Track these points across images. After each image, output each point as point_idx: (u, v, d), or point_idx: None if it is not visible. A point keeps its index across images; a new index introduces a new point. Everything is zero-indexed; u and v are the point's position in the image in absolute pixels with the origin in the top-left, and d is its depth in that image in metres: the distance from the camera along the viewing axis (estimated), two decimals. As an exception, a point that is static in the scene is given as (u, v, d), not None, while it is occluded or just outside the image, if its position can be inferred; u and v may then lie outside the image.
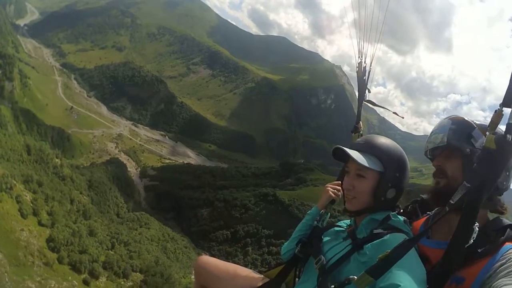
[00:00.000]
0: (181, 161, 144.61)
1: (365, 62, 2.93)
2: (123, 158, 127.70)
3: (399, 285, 1.28)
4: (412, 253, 1.45)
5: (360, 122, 2.88)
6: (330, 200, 2.43)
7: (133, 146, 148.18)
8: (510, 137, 1.16)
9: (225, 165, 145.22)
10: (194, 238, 79.13)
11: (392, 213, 1.88)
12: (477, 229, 1.39)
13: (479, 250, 1.45)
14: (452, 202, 1.37)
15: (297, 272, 2.32)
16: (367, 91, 2.94)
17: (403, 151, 1.93)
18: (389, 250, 1.36)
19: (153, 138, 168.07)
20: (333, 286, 1.60)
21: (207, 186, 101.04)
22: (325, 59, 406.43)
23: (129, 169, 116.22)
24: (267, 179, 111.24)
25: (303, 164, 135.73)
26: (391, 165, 1.82)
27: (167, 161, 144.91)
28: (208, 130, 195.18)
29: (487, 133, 1.35)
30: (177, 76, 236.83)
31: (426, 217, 1.98)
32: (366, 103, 2.99)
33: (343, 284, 1.51)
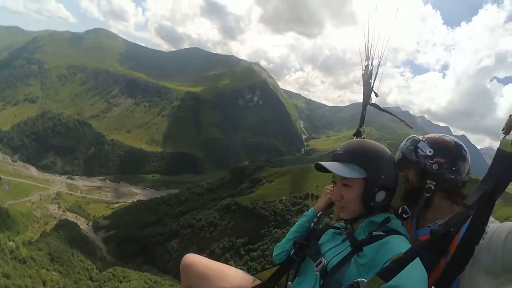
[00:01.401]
0: (130, 201, 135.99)
1: (371, 65, 2.86)
2: (71, 216, 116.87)
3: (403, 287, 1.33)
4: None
5: (363, 126, 2.85)
6: (328, 203, 2.41)
7: (76, 201, 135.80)
8: None
9: (175, 190, 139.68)
10: (175, 272, 75.33)
11: (391, 215, 1.90)
12: (487, 229, 1.46)
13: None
14: (468, 204, 1.41)
15: (289, 275, 2.27)
16: (373, 94, 2.89)
17: (385, 150, 1.93)
18: (402, 253, 1.36)
19: (93, 186, 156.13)
20: None
21: (166, 217, 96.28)
22: (241, 59, 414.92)
23: (81, 226, 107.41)
24: (223, 190, 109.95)
25: (250, 165, 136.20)
26: (373, 169, 1.83)
27: (116, 205, 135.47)
28: (147, 160, 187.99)
29: (501, 136, 1.36)
30: (100, 113, 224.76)
31: (409, 221, 2.09)
32: (372, 106, 2.91)
33: (352, 287, 1.48)
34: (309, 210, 2.47)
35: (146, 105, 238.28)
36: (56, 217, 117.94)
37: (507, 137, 1.33)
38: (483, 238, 1.42)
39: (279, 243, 2.40)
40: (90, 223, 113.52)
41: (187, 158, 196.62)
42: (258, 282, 2.27)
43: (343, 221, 2.00)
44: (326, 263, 1.84)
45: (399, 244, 1.60)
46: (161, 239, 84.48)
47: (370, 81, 2.91)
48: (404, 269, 1.34)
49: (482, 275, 1.45)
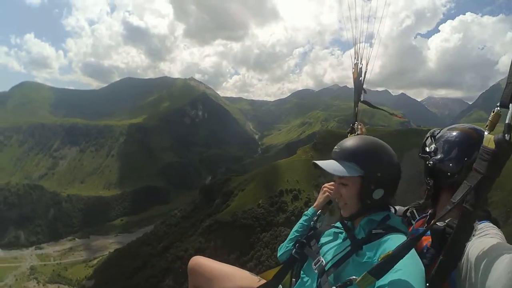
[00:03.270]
0: (107, 253, 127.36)
1: (361, 63, 2.93)
2: None
3: (398, 284, 1.34)
4: (412, 252, 1.47)
5: (357, 122, 2.90)
6: (327, 201, 2.46)
7: (53, 270, 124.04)
8: (508, 137, 1.20)
9: (149, 227, 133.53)
10: None
11: (390, 213, 1.91)
12: (477, 226, 1.52)
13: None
14: (453, 201, 1.42)
15: (293, 273, 2.29)
16: (363, 92, 3.00)
17: (384, 148, 1.91)
18: (390, 250, 1.38)
19: (64, 249, 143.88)
20: (334, 287, 1.61)
21: (151, 257, 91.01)
22: (175, 78, 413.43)
23: None
24: (198, 213, 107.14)
25: (218, 180, 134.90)
26: (369, 167, 1.82)
27: (94, 262, 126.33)
28: (110, 206, 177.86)
29: (485, 132, 1.38)
30: (47, 171, 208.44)
31: (422, 219, 2.09)
32: (363, 103, 3.03)
33: (345, 285, 1.52)
34: (309, 209, 2.55)
35: (93, 150, 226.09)
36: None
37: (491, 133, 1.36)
38: (473, 235, 1.47)
39: (282, 243, 2.47)
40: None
41: (150, 191, 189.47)
42: (263, 281, 2.31)
43: (343, 219, 2.01)
44: (324, 261, 1.89)
45: (397, 242, 1.56)
46: (154, 281, 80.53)
47: (360, 78, 2.96)
48: (398, 265, 1.36)
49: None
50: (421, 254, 1.61)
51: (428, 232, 1.76)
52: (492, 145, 1.30)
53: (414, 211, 2.19)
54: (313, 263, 1.95)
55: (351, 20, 2.86)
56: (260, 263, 71.52)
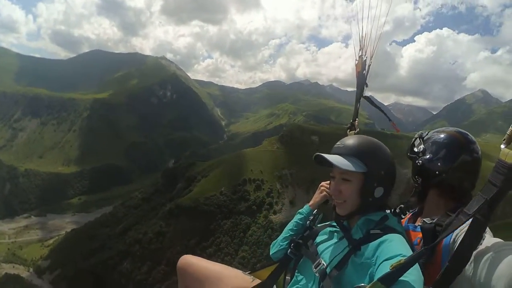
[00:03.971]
0: (64, 233, 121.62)
1: (365, 56, 2.92)
2: (8, 268, 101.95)
3: None
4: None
5: (357, 119, 2.90)
6: (324, 200, 2.43)
7: (8, 249, 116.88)
8: None
9: (108, 208, 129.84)
10: None
11: (388, 213, 1.92)
12: (485, 235, 1.54)
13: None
14: (468, 213, 1.44)
15: (286, 272, 2.30)
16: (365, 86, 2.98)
17: (384, 147, 1.94)
18: (403, 259, 1.37)
19: (20, 227, 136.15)
20: None
21: (109, 239, 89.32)
22: (147, 55, 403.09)
23: (22, 275, 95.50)
24: (159, 196, 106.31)
25: (182, 164, 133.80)
26: (373, 164, 1.84)
27: (51, 241, 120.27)
28: (68, 183, 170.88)
29: (502, 146, 1.40)
30: (6, 143, 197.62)
31: (409, 214, 2.20)
32: (365, 99, 3.04)
33: None
34: (304, 207, 2.48)
35: (54, 123, 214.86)
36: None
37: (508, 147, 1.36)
38: (481, 244, 1.48)
39: (274, 240, 2.43)
40: (31, 269, 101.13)
41: (111, 170, 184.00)
42: (257, 281, 2.27)
43: (339, 217, 1.98)
44: (324, 264, 1.84)
45: (397, 244, 1.60)
46: (112, 264, 79.13)
47: (363, 72, 2.93)
48: (407, 274, 1.36)
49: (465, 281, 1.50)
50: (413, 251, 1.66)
51: (418, 229, 1.87)
52: (510, 160, 1.31)
53: (402, 206, 2.24)
54: (313, 266, 1.90)
55: (358, 10, 2.80)
56: (219, 249, 73.03)
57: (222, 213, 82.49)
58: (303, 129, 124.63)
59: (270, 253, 2.41)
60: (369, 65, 2.89)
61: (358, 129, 2.84)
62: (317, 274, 1.84)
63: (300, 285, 1.97)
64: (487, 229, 1.63)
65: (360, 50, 2.91)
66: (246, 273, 2.41)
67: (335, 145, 1.99)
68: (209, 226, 79.31)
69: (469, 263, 1.45)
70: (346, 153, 1.88)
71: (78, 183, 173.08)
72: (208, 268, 2.34)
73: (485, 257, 1.39)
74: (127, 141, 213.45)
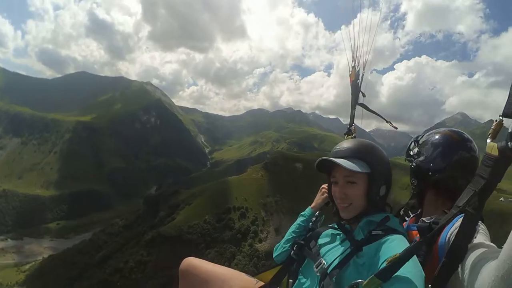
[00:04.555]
0: (41, 258, 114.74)
1: (358, 66, 3.11)
2: None
3: (404, 286, 1.34)
4: (414, 256, 1.49)
5: (354, 124, 3.10)
6: (325, 202, 2.46)
7: None
8: (511, 145, 1.23)
9: (87, 234, 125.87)
10: None
11: (390, 214, 1.92)
12: (479, 228, 1.58)
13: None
14: (458, 205, 1.47)
15: (290, 274, 2.30)
16: (361, 94, 3.16)
17: (380, 148, 1.99)
18: (398, 253, 1.38)
19: None
20: None
21: (88, 267, 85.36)
22: (132, 80, 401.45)
23: None
24: (141, 224, 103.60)
25: (164, 191, 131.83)
26: (376, 164, 1.87)
27: (27, 266, 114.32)
28: (47, 207, 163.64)
29: (488, 140, 1.43)
30: None
31: (414, 218, 2.20)
32: (360, 106, 3.19)
33: None
34: (306, 209, 2.51)
35: (35, 143, 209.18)
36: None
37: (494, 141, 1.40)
38: (475, 237, 1.50)
39: (278, 244, 2.45)
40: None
41: (91, 195, 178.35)
42: (260, 284, 2.30)
43: (343, 221, 2.00)
44: (325, 264, 1.84)
45: (398, 244, 1.61)
46: None
47: (357, 81, 3.12)
48: (401, 268, 1.36)
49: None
50: None
51: (416, 227, 1.88)
52: (495, 152, 1.35)
53: (407, 210, 2.31)
54: (314, 266, 1.90)
55: (352, 24, 3.07)
56: (203, 280, 70.81)
57: (205, 242, 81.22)
58: (286, 157, 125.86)
59: (274, 256, 2.40)
60: (362, 75, 3.09)
61: (355, 134, 2.99)
62: (318, 274, 1.84)
63: (302, 286, 1.96)
64: (484, 228, 1.66)
65: (353, 61, 3.11)
66: (250, 275, 2.40)
67: (334, 149, 1.99)
68: (191, 254, 77.27)
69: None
70: (348, 155, 1.89)
71: (56, 207, 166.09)
72: (211, 271, 2.33)
73: (470, 263, 1.40)
74: (107, 166, 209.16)
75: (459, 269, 1.47)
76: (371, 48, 2.98)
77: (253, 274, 2.48)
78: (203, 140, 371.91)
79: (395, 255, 1.37)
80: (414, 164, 2.10)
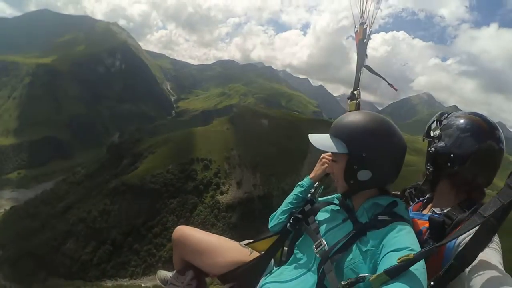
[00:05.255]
0: (2, 210, 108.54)
1: (365, 24, 2.84)
2: None
3: (409, 284, 1.30)
4: None
5: (358, 89, 2.78)
6: (325, 173, 2.33)
7: None
8: None
9: (48, 183, 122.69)
10: (82, 275, 69.02)
11: (398, 199, 1.79)
12: (493, 238, 1.52)
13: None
14: (484, 215, 1.36)
15: (283, 245, 2.24)
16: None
17: (378, 128, 1.72)
18: (412, 254, 1.32)
19: None
20: (344, 282, 1.47)
21: (50, 218, 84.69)
22: (97, 20, 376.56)
23: None
24: (104, 172, 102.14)
25: (128, 139, 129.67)
26: (354, 146, 1.71)
27: None
28: (6, 156, 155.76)
29: None
30: None
31: (420, 203, 2.07)
32: (365, 68, 2.90)
33: (357, 282, 1.44)
34: (304, 179, 2.39)
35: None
36: None
37: None
38: (489, 247, 1.46)
39: (273, 213, 2.35)
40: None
41: (52, 143, 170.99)
42: (255, 254, 2.21)
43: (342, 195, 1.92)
44: (326, 246, 1.74)
45: (405, 237, 1.51)
46: (55, 245, 75.59)
47: (364, 40, 2.86)
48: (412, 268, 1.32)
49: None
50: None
51: (426, 218, 1.77)
52: None
53: (413, 191, 2.17)
54: (314, 246, 1.79)
55: None
56: (165, 229, 72.93)
57: (168, 192, 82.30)
58: (253, 112, 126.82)
59: (269, 226, 2.34)
60: (369, 34, 2.85)
61: (359, 99, 2.73)
62: (318, 255, 1.75)
63: (300, 263, 1.89)
64: (497, 241, 1.59)
65: (360, 18, 2.85)
66: (243, 244, 2.34)
67: (333, 123, 1.88)
68: (155, 204, 79.09)
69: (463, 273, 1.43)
70: (333, 133, 1.80)
71: (16, 156, 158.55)
72: (204, 240, 2.26)
73: (475, 275, 1.38)
74: (69, 112, 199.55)
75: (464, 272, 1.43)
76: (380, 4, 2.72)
77: (244, 239, 2.48)
78: (169, 88, 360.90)
79: (408, 255, 1.31)
80: (433, 149, 1.85)
